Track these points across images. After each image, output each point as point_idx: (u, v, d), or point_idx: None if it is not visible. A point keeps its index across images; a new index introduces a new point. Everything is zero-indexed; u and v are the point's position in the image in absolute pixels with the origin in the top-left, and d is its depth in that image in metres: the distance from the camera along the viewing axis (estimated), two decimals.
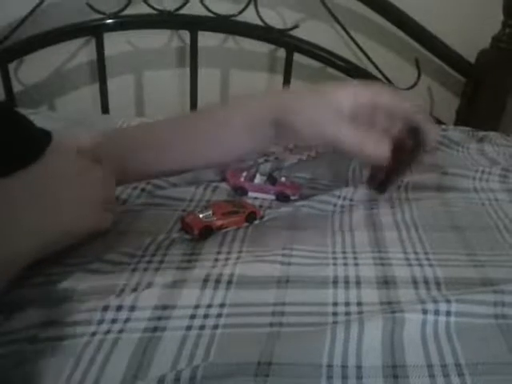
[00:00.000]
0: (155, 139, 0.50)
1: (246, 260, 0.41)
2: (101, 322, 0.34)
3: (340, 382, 0.29)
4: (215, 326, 0.34)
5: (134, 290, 0.37)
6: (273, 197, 0.53)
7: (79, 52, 0.89)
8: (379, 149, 0.43)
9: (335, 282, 0.39)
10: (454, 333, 0.34)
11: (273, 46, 0.89)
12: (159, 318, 0.34)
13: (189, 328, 0.34)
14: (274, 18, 0.85)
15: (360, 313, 0.36)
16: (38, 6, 0.78)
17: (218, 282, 0.38)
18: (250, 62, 0.92)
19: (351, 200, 0.52)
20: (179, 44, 0.90)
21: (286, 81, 0.87)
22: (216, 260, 0.41)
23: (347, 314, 0.36)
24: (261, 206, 0.51)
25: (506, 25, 0.81)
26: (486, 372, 0.31)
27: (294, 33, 0.83)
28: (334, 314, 0.36)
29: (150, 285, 0.38)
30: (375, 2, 0.82)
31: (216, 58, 0.91)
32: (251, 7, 0.80)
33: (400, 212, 0.51)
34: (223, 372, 0.29)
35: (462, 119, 0.90)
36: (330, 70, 0.87)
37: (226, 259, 0.42)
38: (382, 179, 0.50)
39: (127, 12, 0.80)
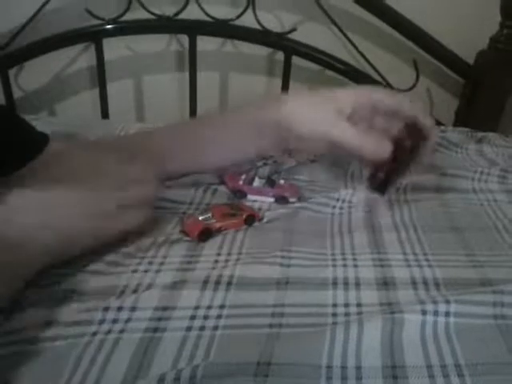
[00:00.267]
0: (155, 146, 0.50)
1: (245, 261, 0.41)
2: (102, 321, 0.34)
3: (339, 383, 0.29)
4: (215, 327, 0.34)
5: (135, 291, 0.37)
6: (272, 199, 0.53)
7: (79, 57, 0.89)
8: (380, 148, 0.43)
9: (334, 284, 0.39)
10: (453, 333, 0.34)
11: (271, 50, 0.89)
12: (159, 319, 0.34)
13: (189, 329, 0.34)
14: (272, 22, 0.85)
15: (359, 314, 0.36)
16: (37, 12, 0.78)
17: (217, 283, 0.38)
18: (249, 66, 0.92)
19: (350, 202, 0.52)
20: (178, 48, 0.91)
21: (285, 84, 0.88)
22: (216, 261, 0.42)
23: (347, 314, 0.36)
24: (260, 209, 0.51)
25: (504, 26, 0.81)
26: (486, 372, 0.31)
27: (292, 36, 0.83)
28: (334, 314, 0.36)
29: (150, 286, 0.38)
30: (372, 4, 0.82)
31: (215, 61, 0.91)
32: (249, 11, 0.80)
33: (399, 213, 0.51)
34: (223, 371, 0.29)
35: (460, 120, 0.90)
36: (329, 72, 0.87)
37: (226, 261, 0.42)
38: (382, 179, 0.50)
39: (126, 17, 0.80)
